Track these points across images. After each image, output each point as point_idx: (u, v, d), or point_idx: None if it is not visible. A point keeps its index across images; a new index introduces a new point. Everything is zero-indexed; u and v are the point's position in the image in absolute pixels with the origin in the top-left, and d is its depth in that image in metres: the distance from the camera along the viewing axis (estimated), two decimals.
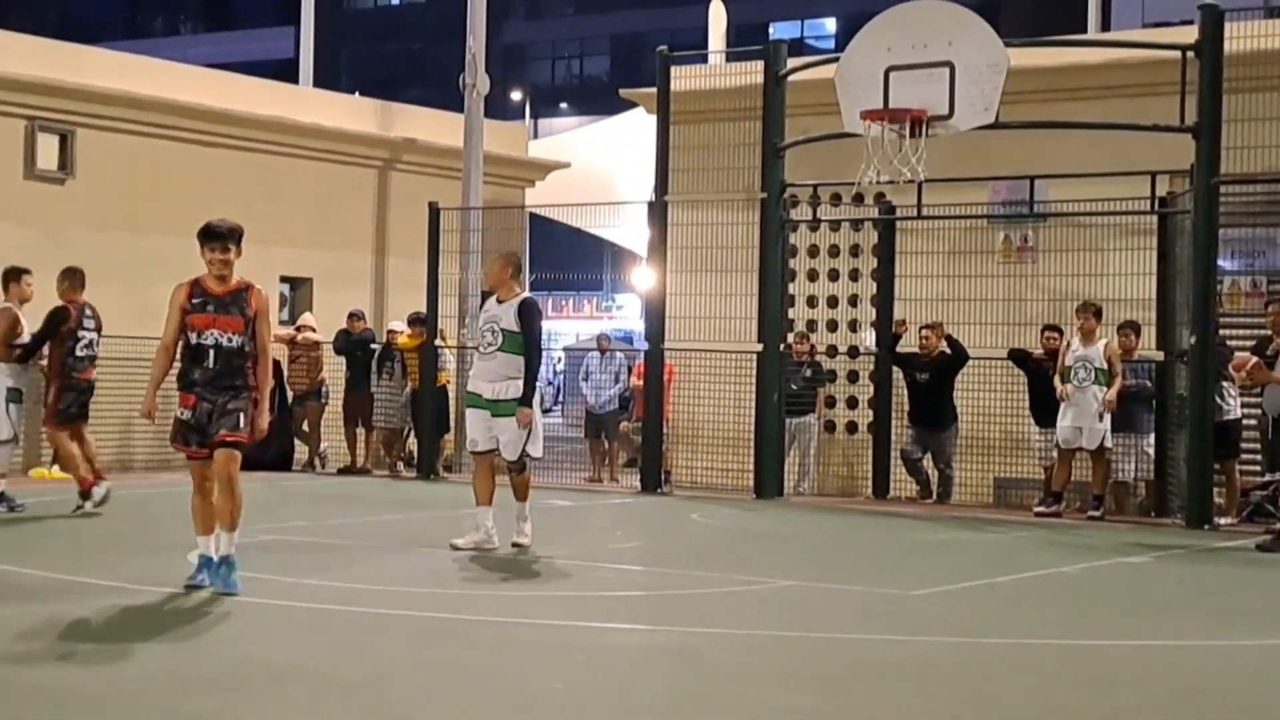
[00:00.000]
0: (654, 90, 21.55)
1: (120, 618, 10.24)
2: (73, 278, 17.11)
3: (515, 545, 13.91)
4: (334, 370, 23.53)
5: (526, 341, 13.73)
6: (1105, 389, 18.30)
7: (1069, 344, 18.69)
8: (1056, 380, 18.67)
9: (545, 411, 18.02)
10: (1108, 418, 18.43)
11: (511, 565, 13.58)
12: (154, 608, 10.67)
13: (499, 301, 13.94)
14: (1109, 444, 18.57)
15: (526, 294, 14.26)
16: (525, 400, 13.70)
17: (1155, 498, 18.96)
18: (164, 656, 9.06)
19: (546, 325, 18.88)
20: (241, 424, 11.07)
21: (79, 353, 16.70)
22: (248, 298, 11.63)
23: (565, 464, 23.32)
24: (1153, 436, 18.89)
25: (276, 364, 23.37)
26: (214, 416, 11.09)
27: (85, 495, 16.41)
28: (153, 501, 18.73)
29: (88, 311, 16.93)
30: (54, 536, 15.13)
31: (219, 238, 11.84)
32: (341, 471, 22.97)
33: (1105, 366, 18.36)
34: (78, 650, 9.23)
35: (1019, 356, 19.54)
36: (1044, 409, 19.05)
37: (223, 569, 11.05)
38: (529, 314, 13.81)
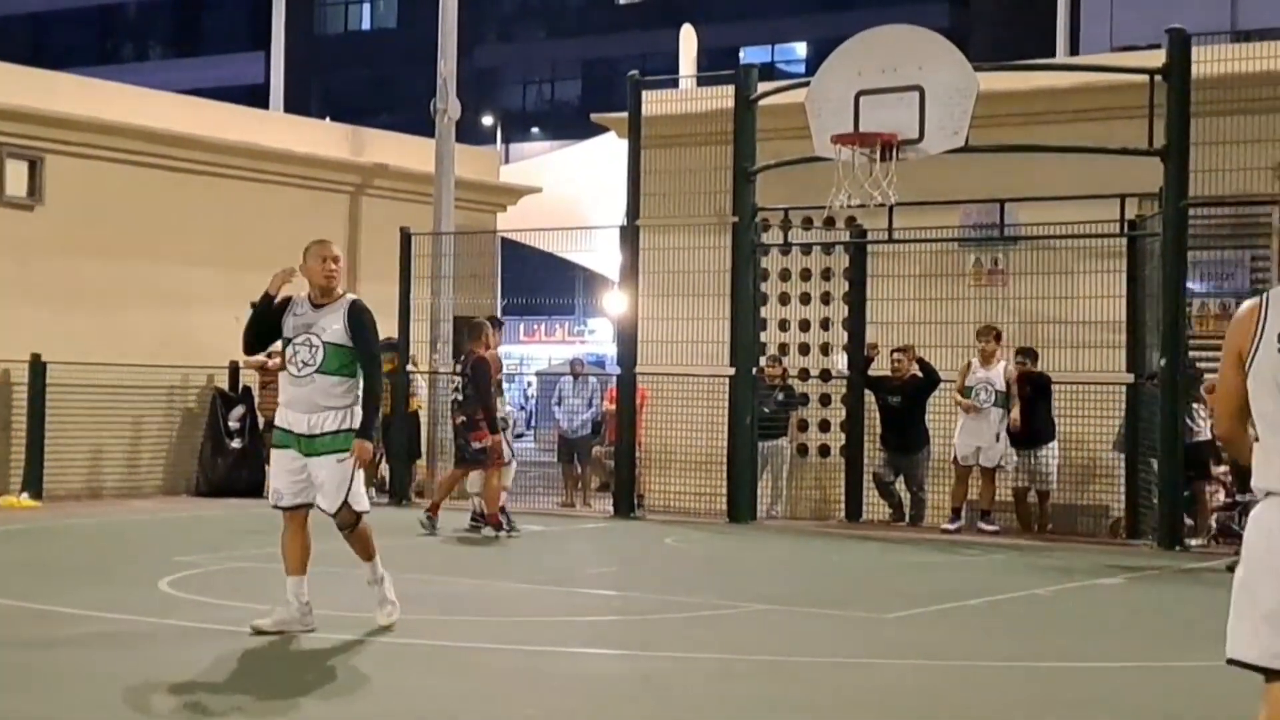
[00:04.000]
0: (625, 115, 21.56)
1: (93, 647, 10.19)
2: (469, 329, 18.38)
3: (383, 628, 10.89)
4: None
5: (364, 357, 10.63)
6: (1003, 410, 19.19)
7: (970, 365, 19.42)
8: (958, 396, 19.42)
9: (518, 437, 17.96)
10: (1005, 438, 19.21)
11: (482, 591, 13.56)
12: (126, 636, 10.63)
13: (314, 305, 10.68)
14: (1005, 464, 19.40)
15: (351, 294, 10.93)
16: (364, 431, 10.61)
17: (1128, 519, 19.01)
18: (135, 686, 9.02)
19: (519, 350, 18.85)
20: None
21: (454, 396, 17.88)
22: None
23: (538, 489, 23.28)
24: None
25: (247, 390, 23.39)
26: None
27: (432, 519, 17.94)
28: (122, 529, 18.68)
29: (461, 357, 18.07)
30: (24, 565, 15.07)
31: None
32: None
33: (1004, 389, 19.19)
34: (53, 679, 9.19)
35: None
36: (1020, 432, 19.24)
37: None
38: (364, 321, 10.64)
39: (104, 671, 9.33)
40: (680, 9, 50.98)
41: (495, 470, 17.66)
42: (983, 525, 19.17)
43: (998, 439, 19.22)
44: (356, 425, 10.56)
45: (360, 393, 10.64)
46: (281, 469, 10.71)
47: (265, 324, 10.76)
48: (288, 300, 10.73)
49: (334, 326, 10.53)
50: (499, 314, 27.36)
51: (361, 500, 10.74)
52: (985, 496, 19.37)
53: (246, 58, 59.98)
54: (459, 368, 17.98)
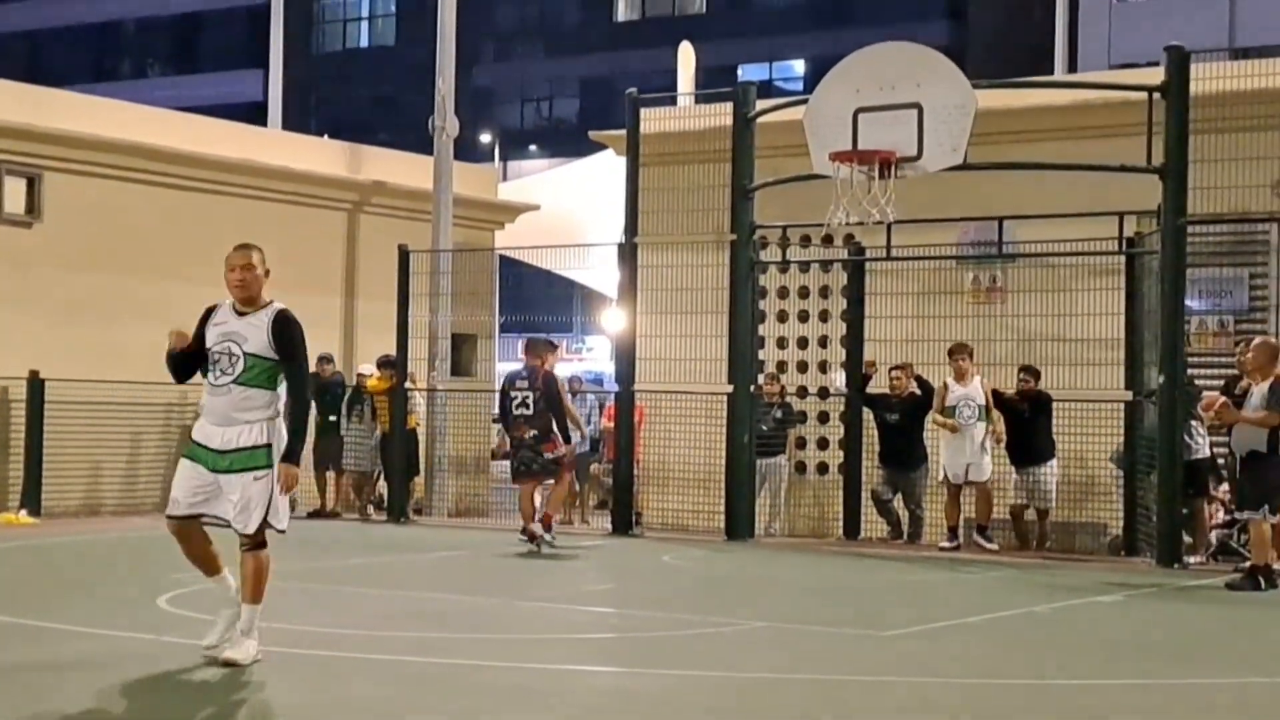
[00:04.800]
0: (623, 132, 21.57)
1: (92, 663, 10.17)
2: (531, 347, 18.80)
3: (226, 662, 9.86)
4: None
5: (290, 370, 10.07)
6: (985, 424, 19.30)
7: (946, 384, 19.46)
8: (938, 418, 19.49)
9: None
10: (991, 451, 19.31)
11: (479, 608, 13.54)
12: (124, 653, 10.60)
13: (239, 313, 10.12)
14: (996, 478, 19.51)
15: (277, 303, 10.23)
16: (290, 454, 9.99)
17: (1127, 537, 19.00)
18: (132, 702, 9.01)
19: (515, 368, 18.95)
20: None
21: (514, 412, 18.14)
22: None
23: None
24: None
25: None
26: None
27: (526, 532, 18.20)
28: (120, 546, 18.65)
29: (523, 374, 18.29)
30: (23, 582, 15.05)
31: None
32: (311, 515, 22.83)
33: (984, 403, 19.29)
34: (51, 696, 9.17)
35: (995, 397, 19.65)
36: (1020, 450, 19.24)
37: None
38: (290, 331, 10.06)
39: (102, 688, 9.30)
40: (678, 27, 51.08)
41: (566, 478, 18.71)
42: (982, 542, 19.16)
43: (984, 451, 19.27)
44: (272, 440, 9.96)
45: (280, 408, 10.05)
46: (184, 478, 10.03)
47: (183, 362, 10.29)
48: (210, 311, 10.25)
49: (256, 336, 9.97)
50: (497, 331, 27.41)
51: (282, 518, 10.03)
52: (982, 512, 19.36)
53: (245, 75, 60.09)
54: (521, 384, 18.25)
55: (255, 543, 9.98)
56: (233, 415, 9.93)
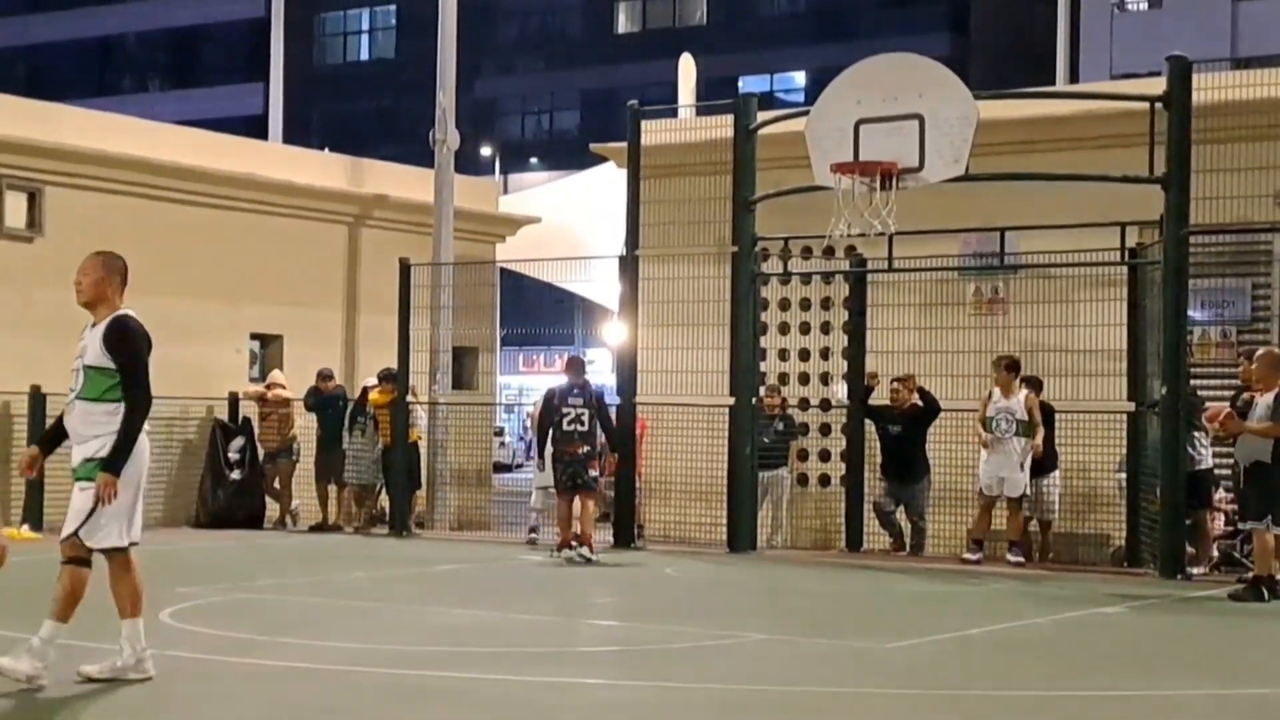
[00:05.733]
0: (624, 144, 21.55)
1: (95, 678, 10.14)
2: (576, 365, 19.44)
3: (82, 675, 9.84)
4: (304, 427, 23.42)
5: (120, 371, 9.67)
6: (1026, 439, 18.84)
7: (991, 395, 19.14)
8: (979, 428, 19.15)
9: (518, 467, 18.16)
10: (1028, 468, 18.95)
11: (482, 622, 13.51)
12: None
13: (92, 326, 9.89)
14: (1029, 493, 19.11)
15: (121, 310, 9.99)
16: (109, 462, 9.44)
17: (1130, 548, 18.95)
18: (135, 717, 8.98)
19: (518, 381, 19.05)
20: None
21: (565, 427, 18.48)
22: None
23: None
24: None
25: (246, 421, 23.38)
26: None
27: (565, 546, 18.53)
28: None
29: (575, 390, 18.62)
30: (25, 598, 15.01)
31: None
32: (313, 529, 22.86)
33: (1026, 418, 18.85)
34: (57, 711, 9.15)
35: None
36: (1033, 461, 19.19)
37: None
38: (121, 335, 9.76)
39: (105, 704, 9.28)
40: (679, 39, 51.14)
41: (597, 495, 19.20)
42: (1010, 556, 18.89)
43: (1021, 468, 18.92)
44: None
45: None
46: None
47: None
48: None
49: (93, 347, 9.65)
50: (498, 344, 27.38)
51: (100, 537, 9.54)
52: (1012, 527, 19.06)
53: (246, 89, 60.11)
54: (574, 400, 18.64)
55: (69, 556, 9.56)
56: (81, 431, 9.62)
